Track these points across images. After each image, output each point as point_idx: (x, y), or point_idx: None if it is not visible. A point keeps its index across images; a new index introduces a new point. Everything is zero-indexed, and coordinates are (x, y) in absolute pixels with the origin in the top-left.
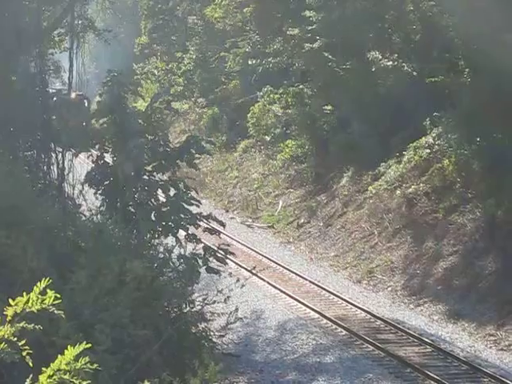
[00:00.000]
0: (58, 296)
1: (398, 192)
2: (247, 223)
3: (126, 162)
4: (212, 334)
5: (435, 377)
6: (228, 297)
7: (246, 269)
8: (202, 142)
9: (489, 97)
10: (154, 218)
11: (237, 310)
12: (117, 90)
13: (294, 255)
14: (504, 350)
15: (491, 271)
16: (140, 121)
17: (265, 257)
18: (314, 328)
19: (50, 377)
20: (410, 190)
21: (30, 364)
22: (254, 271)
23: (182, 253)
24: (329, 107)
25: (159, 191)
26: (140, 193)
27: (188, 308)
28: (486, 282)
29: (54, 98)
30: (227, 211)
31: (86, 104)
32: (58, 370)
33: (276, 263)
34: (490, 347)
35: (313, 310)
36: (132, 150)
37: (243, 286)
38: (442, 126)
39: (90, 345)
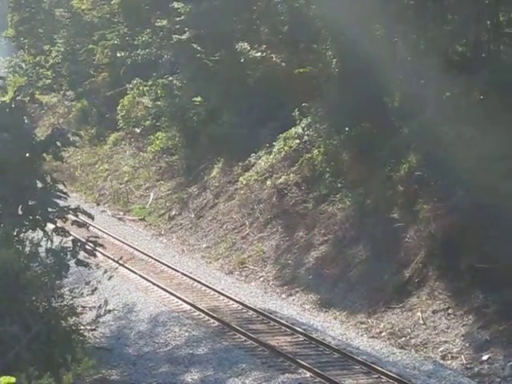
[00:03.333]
0: None
1: (268, 182)
2: (118, 216)
3: None
4: (83, 327)
5: (307, 365)
6: (96, 288)
7: (114, 260)
8: (68, 134)
9: (356, 87)
10: (20, 212)
11: (106, 302)
12: None
13: (165, 247)
14: (375, 337)
15: (361, 260)
16: (3, 114)
17: (136, 249)
18: (187, 320)
19: None
20: (281, 180)
21: None
22: (120, 261)
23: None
24: (198, 99)
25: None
26: (4, 187)
27: (57, 302)
28: (357, 270)
29: None
30: (98, 204)
31: None
32: None
33: (148, 256)
34: (362, 335)
35: (185, 301)
36: None
37: (111, 277)
38: (311, 116)
39: None
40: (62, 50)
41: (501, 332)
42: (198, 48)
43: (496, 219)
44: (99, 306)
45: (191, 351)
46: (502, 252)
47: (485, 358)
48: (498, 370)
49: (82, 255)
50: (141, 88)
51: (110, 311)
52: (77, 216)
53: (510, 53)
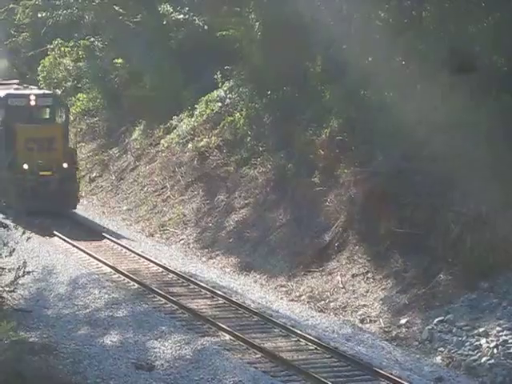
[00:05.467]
0: None
1: (189, 145)
2: None
3: None
4: (1, 289)
5: (227, 328)
6: (14, 249)
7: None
8: None
9: (278, 51)
10: None
11: (25, 264)
12: None
13: (86, 209)
14: (295, 300)
15: (282, 223)
16: None
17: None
18: (107, 282)
19: None
20: (202, 143)
21: None
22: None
23: None
24: (120, 60)
25: None
26: None
27: None
28: (277, 234)
29: None
30: None
31: None
32: None
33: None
34: (281, 298)
35: (105, 264)
36: None
37: (29, 238)
38: (234, 79)
39: None
40: None
41: (419, 296)
42: (120, 10)
43: (415, 184)
44: (18, 268)
45: (111, 313)
46: (421, 216)
47: (403, 321)
48: (416, 334)
49: None
50: (62, 49)
51: (28, 273)
52: None
53: (432, 18)
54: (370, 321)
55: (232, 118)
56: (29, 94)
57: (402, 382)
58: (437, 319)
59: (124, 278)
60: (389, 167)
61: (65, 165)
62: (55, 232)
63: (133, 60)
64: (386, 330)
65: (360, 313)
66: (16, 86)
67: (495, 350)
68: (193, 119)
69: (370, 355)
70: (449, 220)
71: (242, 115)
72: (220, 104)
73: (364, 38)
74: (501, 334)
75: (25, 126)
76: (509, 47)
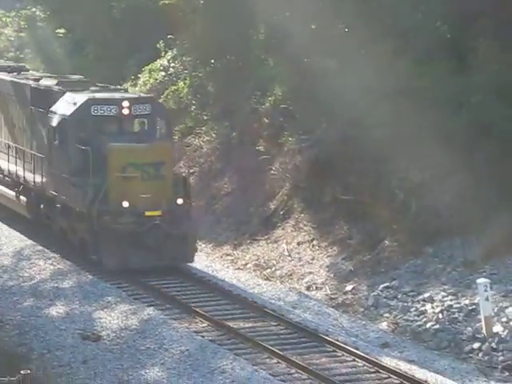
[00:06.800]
0: None
1: None
2: None
3: None
4: None
5: (173, 298)
6: None
7: None
8: None
9: (221, 19)
10: None
11: None
12: None
13: None
14: (241, 269)
15: (227, 192)
16: None
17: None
18: (52, 253)
19: None
20: None
21: None
22: None
23: None
24: (62, 30)
25: None
26: None
27: None
28: (223, 202)
29: None
30: None
31: None
32: None
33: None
34: (227, 267)
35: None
36: None
37: None
38: (177, 48)
39: None
40: None
41: (364, 262)
42: None
43: (359, 151)
44: None
45: (56, 285)
46: (365, 184)
47: (349, 288)
48: (362, 300)
49: None
50: (4, 19)
51: None
52: None
53: None
54: (316, 288)
55: (176, 87)
56: (120, 100)
57: (348, 347)
58: (382, 285)
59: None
60: (333, 135)
61: (179, 200)
62: None
63: (75, 30)
64: (332, 296)
65: (306, 280)
66: (95, 87)
67: (440, 315)
68: (136, 89)
69: (316, 322)
70: (393, 187)
71: (185, 84)
72: (163, 73)
73: (306, 5)
74: (445, 299)
75: (121, 147)
76: (452, 13)
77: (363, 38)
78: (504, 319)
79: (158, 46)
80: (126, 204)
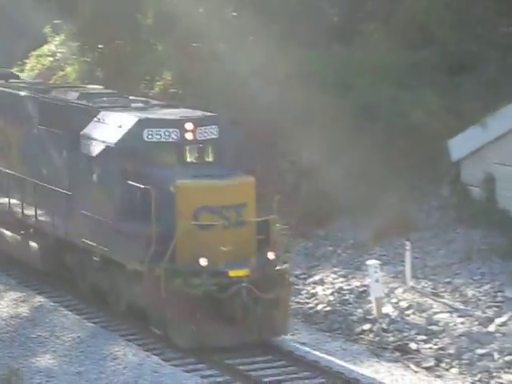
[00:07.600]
0: None
1: None
2: None
3: None
4: None
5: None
6: None
7: None
8: None
9: (109, 4)
10: None
11: None
12: None
13: None
14: None
15: None
16: None
17: None
18: None
19: None
20: None
21: None
22: None
23: None
24: None
25: None
26: None
27: None
28: None
29: None
30: None
31: None
32: None
33: None
34: None
35: None
36: None
37: None
38: (65, 33)
39: None
40: None
41: None
42: None
43: (250, 135)
44: None
45: None
46: (256, 167)
47: None
48: None
49: None
50: None
51: None
52: None
53: None
54: None
55: (64, 73)
56: (183, 121)
57: None
58: None
59: None
60: (227, 117)
61: (270, 255)
62: None
63: None
64: None
65: None
66: (136, 104)
67: (331, 298)
68: (24, 74)
69: None
70: (284, 170)
71: (73, 69)
72: (51, 59)
73: None
74: (336, 281)
75: (194, 185)
76: None
77: (251, 22)
78: (394, 300)
79: (45, 30)
80: (204, 262)
